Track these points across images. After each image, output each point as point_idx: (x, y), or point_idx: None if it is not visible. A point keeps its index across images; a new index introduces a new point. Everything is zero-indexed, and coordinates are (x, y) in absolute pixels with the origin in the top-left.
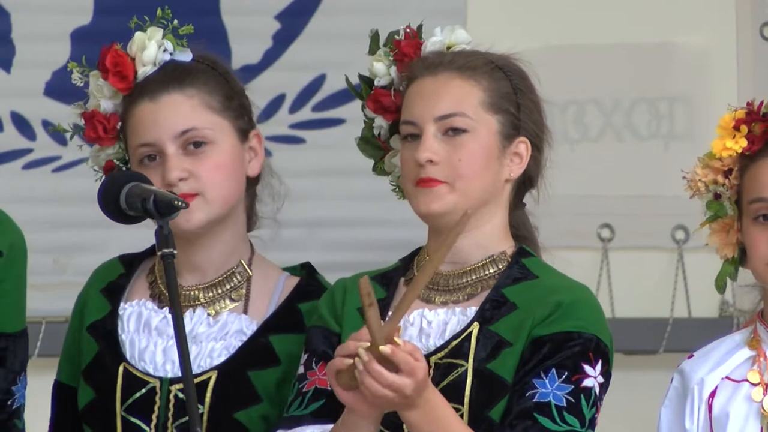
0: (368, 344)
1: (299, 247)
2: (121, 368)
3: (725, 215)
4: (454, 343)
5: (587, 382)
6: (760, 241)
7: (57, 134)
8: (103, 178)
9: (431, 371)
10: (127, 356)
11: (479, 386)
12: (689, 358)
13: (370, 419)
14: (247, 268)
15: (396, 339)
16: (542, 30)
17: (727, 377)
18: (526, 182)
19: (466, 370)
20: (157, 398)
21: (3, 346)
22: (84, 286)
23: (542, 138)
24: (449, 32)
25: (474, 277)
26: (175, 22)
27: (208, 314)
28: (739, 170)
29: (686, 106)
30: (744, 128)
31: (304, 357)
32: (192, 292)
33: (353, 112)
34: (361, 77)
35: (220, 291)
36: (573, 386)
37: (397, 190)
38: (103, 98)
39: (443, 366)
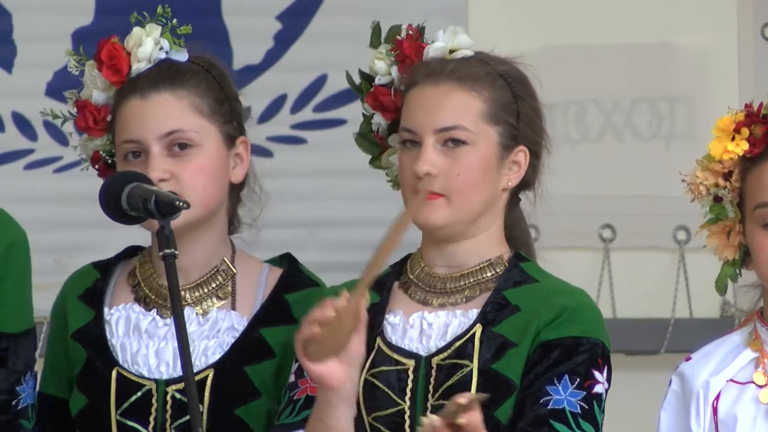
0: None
1: (300, 247)
2: (114, 373)
3: (726, 218)
4: (458, 344)
5: (597, 388)
6: (767, 246)
7: (58, 134)
8: (98, 174)
9: (434, 372)
10: (120, 360)
11: (485, 386)
12: (687, 360)
13: (343, 393)
14: (230, 265)
15: (459, 400)
16: (543, 30)
17: (731, 380)
18: (521, 185)
19: (472, 370)
20: (153, 400)
21: (4, 347)
22: (59, 295)
23: (541, 144)
24: (451, 36)
25: (472, 280)
26: (174, 21)
27: (197, 313)
28: (741, 173)
29: (687, 107)
30: (745, 131)
31: (295, 366)
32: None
33: (355, 112)
34: (361, 73)
35: (206, 290)
36: (585, 392)
37: (393, 184)
38: (96, 89)
39: (447, 367)
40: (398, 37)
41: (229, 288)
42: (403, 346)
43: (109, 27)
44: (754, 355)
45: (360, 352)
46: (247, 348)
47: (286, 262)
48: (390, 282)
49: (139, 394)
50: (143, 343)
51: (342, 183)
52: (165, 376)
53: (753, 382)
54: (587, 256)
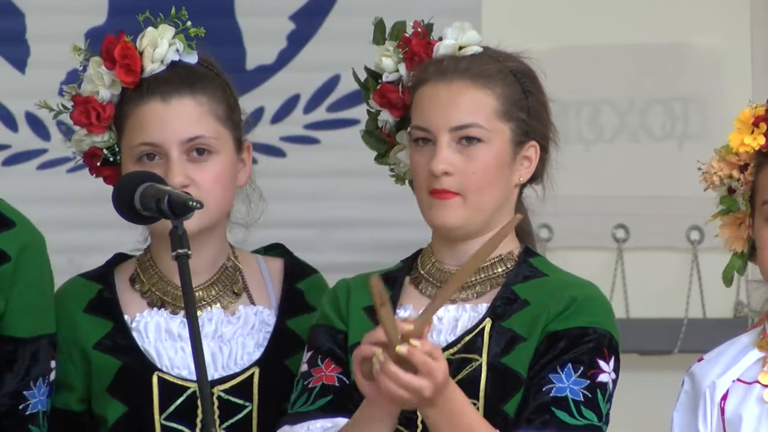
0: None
1: (312, 248)
2: (155, 378)
3: (738, 210)
4: (467, 338)
5: (602, 378)
6: None
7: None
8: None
9: None
10: (158, 365)
11: (494, 380)
12: (699, 361)
13: (388, 412)
14: (236, 261)
15: (412, 340)
16: (557, 30)
17: (738, 379)
18: (530, 179)
19: (481, 364)
20: (198, 402)
21: (11, 350)
22: (57, 311)
23: (550, 138)
24: (459, 31)
25: (483, 276)
26: (189, 23)
27: (224, 313)
28: (755, 167)
29: (701, 107)
30: (763, 125)
31: (307, 355)
32: (195, 294)
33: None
34: (367, 70)
35: (220, 287)
36: (589, 381)
37: (396, 179)
38: (102, 86)
39: (456, 361)
40: (405, 35)
41: (241, 283)
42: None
43: (122, 27)
44: (761, 354)
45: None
46: (282, 342)
47: (281, 250)
48: (401, 277)
49: (184, 397)
50: (178, 346)
51: (355, 183)
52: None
53: (758, 382)
54: (600, 256)
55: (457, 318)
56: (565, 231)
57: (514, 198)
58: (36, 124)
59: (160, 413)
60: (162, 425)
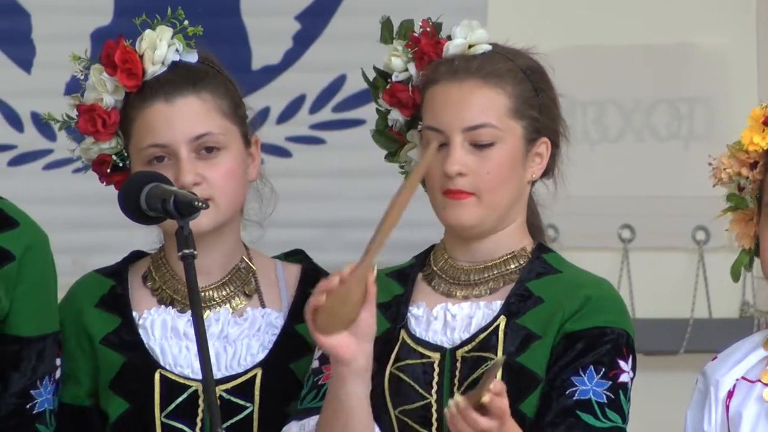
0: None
1: (318, 248)
2: (157, 375)
3: (746, 207)
4: (482, 336)
5: (623, 378)
6: None
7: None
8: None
9: (458, 365)
10: (162, 363)
11: (510, 380)
12: (713, 359)
13: (355, 367)
14: (249, 263)
15: (491, 385)
16: (562, 30)
17: (743, 378)
18: (541, 174)
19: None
20: (200, 401)
21: (16, 349)
22: (65, 308)
23: (560, 133)
24: (468, 30)
25: (495, 272)
26: (186, 22)
27: (232, 314)
28: (764, 165)
29: (706, 107)
30: None
31: (318, 352)
32: (206, 293)
33: (373, 113)
34: (376, 69)
35: (232, 288)
36: (611, 382)
37: (406, 176)
38: (106, 93)
39: (471, 359)
40: (414, 34)
41: (253, 285)
42: (427, 339)
43: (127, 27)
44: (765, 354)
45: (371, 325)
46: (288, 345)
47: (301, 257)
48: (414, 274)
49: (185, 395)
50: (182, 345)
51: (360, 183)
52: None
53: (760, 381)
54: (606, 256)
55: (471, 315)
56: (570, 231)
57: (526, 194)
58: (42, 125)
59: (161, 411)
60: (162, 423)
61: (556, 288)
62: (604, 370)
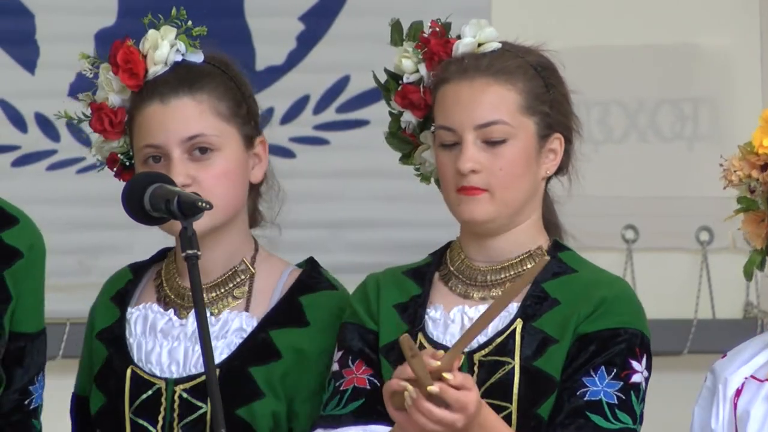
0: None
1: (322, 249)
2: (128, 371)
3: (757, 209)
4: (499, 340)
5: (635, 378)
6: None
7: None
8: (114, 175)
9: (476, 368)
10: (135, 359)
11: (527, 384)
12: (723, 357)
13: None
14: (249, 266)
15: (445, 374)
16: (567, 31)
17: (752, 376)
18: (556, 171)
19: (513, 367)
20: (162, 399)
21: (21, 346)
22: (96, 297)
23: (573, 129)
24: (477, 28)
25: (512, 273)
26: (190, 22)
27: (211, 314)
28: None
29: (710, 108)
30: None
31: (338, 354)
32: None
33: (377, 113)
34: (387, 72)
35: (222, 290)
36: (622, 383)
37: (422, 179)
38: (112, 92)
39: (488, 363)
40: (423, 35)
41: (246, 288)
42: (445, 343)
43: (131, 28)
44: None
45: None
46: (253, 349)
47: (308, 264)
48: (430, 273)
49: (150, 392)
50: (158, 342)
51: (365, 184)
52: (175, 376)
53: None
54: (610, 256)
55: None
56: (574, 231)
57: (541, 191)
58: (45, 125)
59: (129, 407)
60: (130, 419)
61: (571, 288)
62: (615, 370)
